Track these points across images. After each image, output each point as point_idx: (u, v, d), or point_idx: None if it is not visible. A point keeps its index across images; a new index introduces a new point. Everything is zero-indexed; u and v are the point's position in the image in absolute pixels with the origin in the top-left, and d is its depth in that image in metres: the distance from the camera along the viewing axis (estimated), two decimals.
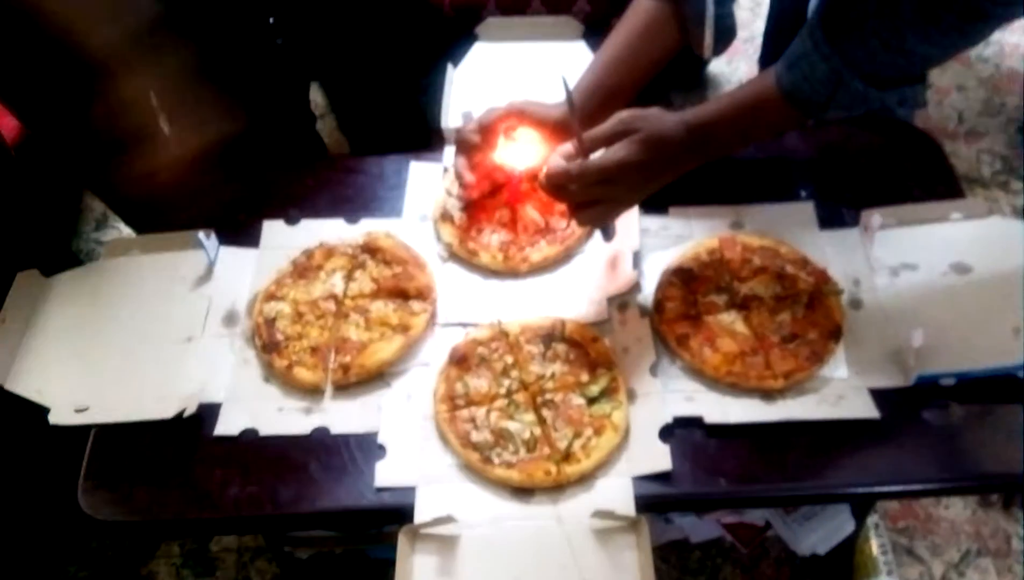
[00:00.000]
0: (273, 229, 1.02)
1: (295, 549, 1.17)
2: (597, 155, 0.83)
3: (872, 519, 1.25)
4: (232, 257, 0.99)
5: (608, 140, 0.83)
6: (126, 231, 1.63)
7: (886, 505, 1.34)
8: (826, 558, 1.13)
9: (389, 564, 0.77)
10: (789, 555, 1.13)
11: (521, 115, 0.95)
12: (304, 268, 0.97)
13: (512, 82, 1.01)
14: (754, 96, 0.84)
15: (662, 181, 0.86)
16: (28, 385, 0.89)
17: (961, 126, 1.99)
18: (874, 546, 1.24)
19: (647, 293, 0.94)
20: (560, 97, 0.96)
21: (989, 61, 2.12)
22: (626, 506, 0.78)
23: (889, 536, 1.28)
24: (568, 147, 0.85)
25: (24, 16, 1.01)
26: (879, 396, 0.83)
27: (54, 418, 0.87)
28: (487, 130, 0.97)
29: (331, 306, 0.93)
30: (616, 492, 0.79)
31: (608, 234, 0.90)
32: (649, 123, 0.82)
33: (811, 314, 0.89)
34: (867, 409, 0.82)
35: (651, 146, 0.81)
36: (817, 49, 0.77)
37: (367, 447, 0.84)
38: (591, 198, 0.85)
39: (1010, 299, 0.88)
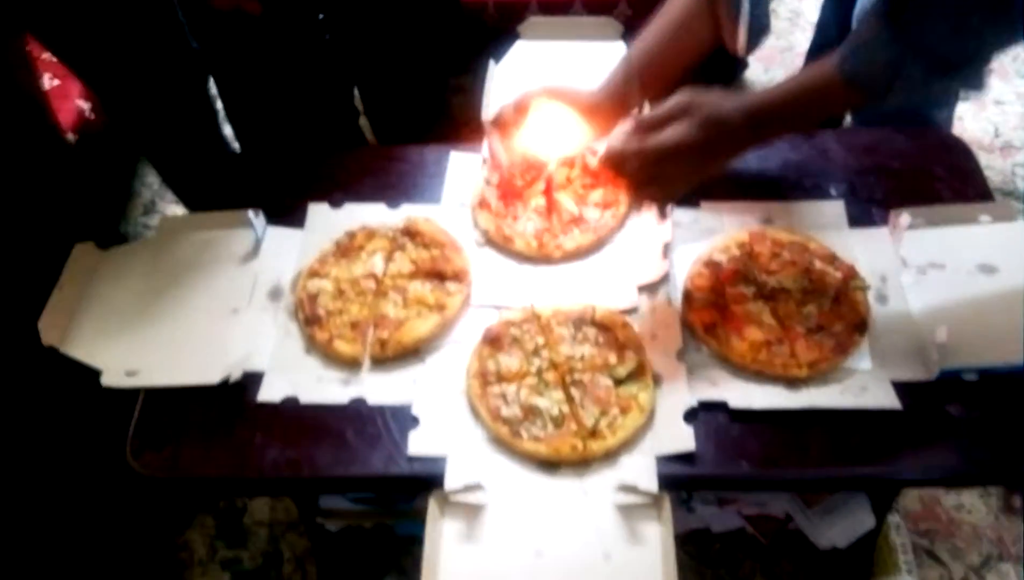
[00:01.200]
0: (318, 211, 1.06)
1: (326, 521, 1.21)
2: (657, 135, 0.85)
3: (894, 519, 1.26)
4: (278, 236, 1.04)
5: (668, 120, 0.85)
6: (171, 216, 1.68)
7: (908, 506, 1.35)
8: (845, 553, 1.15)
9: (416, 541, 0.80)
10: (809, 549, 1.14)
11: (554, 94, 0.99)
12: (346, 248, 1.01)
13: (551, 78, 1.05)
14: (814, 81, 0.84)
15: (720, 163, 0.87)
16: (82, 349, 0.94)
17: (997, 140, 1.99)
18: (895, 545, 1.25)
19: (676, 283, 0.96)
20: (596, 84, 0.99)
21: None
22: (649, 483, 0.80)
23: (910, 537, 1.29)
24: (628, 125, 0.87)
25: None
26: (902, 389, 0.85)
27: (106, 380, 0.91)
28: (523, 111, 1.01)
29: (371, 285, 0.97)
30: (640, 470, 0.82)
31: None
32: (709, 104, 0.84)
33: (837, 308, 0.91)
34: (889, 400, 0.84)
35: (710, 127, 0.83)
36: (881, 34, 0.77)
37: (401, 418, 0.87)
38: (649, 177, 0.87)
39: None
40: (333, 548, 1.28)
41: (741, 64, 2.13)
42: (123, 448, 0.88)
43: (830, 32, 1.69)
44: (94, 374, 0.92)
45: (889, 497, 1.12)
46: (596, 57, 1.17)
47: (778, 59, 2.20)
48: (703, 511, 1.17)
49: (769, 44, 2.22)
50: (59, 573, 1.21)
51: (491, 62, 1.19)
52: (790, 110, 0.85)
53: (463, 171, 1.10)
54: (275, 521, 1.43)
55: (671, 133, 0.84)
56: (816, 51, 1.85)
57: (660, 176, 0.86)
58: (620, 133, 0.88)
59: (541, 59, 1.21)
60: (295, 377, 0.91)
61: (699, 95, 0.85)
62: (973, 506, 1.37)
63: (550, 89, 1.00)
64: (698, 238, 1.00)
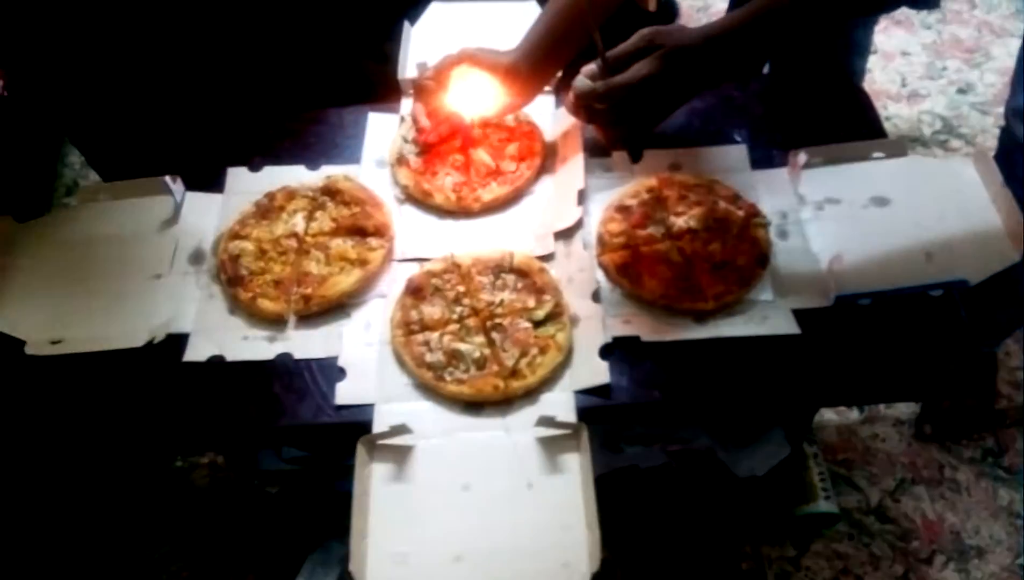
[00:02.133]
0: (237, 175, 1.07)
1: (265, 485, 1.23)
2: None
3: (811, 449, 1.33)
4: (198, 201, 1.04)
5: (631, 57, 0.86)
6: None
7: (825, 439, 1.42)
8: (765, 481, 1.21)
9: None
10: (730, 480, 1.20)
11: (474, 61, 1.01)
12: (267, 209, 1.02)
13: (467, 39, 1.07)
14: (770, 2, 0.86)
15: (687, 95, 0.89)
16: (4, 321, 0.94)
17: (904, 89, 2.08)
18: (814, 474, 1.32)
19: (591, 229, 1.00)
20: (510, 46, 1.02)
21: (932, 28, 2.21)
22: (567, 415, 0.84)
23: (828, 467, 1.37)
24: (592, 67, 0.89)
25: None
26: (802, 316, 0.91)
27: (30, 349, 0.92)
28: (442, 76, 1.03)
29: (293, 244, 0.98)
30: (559, 405, 0.86)
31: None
32: (671, 38, 0.86)
33: (741, 244, 0.96)
34: (789, 326, 0.90)
35: (674, 60, 0.85)
36: None
37: (328, 371, 0.90)
38: (619, 116, 0.88)
39: (923, 227, 0.95)
40: (273, 510, 1.30)
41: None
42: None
43: None
44: (18, 344, 0.92)
45: (802, 426, 1.18)
46: (511, 16, 1.20)
47: (695, 18, 2.25)
48: (630, 451, 1.22)
49: (687, 3, 2.27)
50: None
51: (406, 24, 1.21)
52: (750, 34, 0.87)
53: (382, 131, 1.12)
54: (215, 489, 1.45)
55: (637, 69, 0.85)
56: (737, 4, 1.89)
57: (629, 114, 0.88)
58: (584, 74, 0.89)
59: (457, 20, 1.23)
60: (220, 337, 0.92)
61: (661, 29, 0.86)
62: (887, 434, 1.45)
63: (467, 54, 1.01)
64: (611, 186, 1.04)
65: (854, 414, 1.46)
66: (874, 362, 0.89)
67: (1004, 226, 0.93)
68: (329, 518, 1.33)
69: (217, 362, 0.90)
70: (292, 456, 1.18)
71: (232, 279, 0.95)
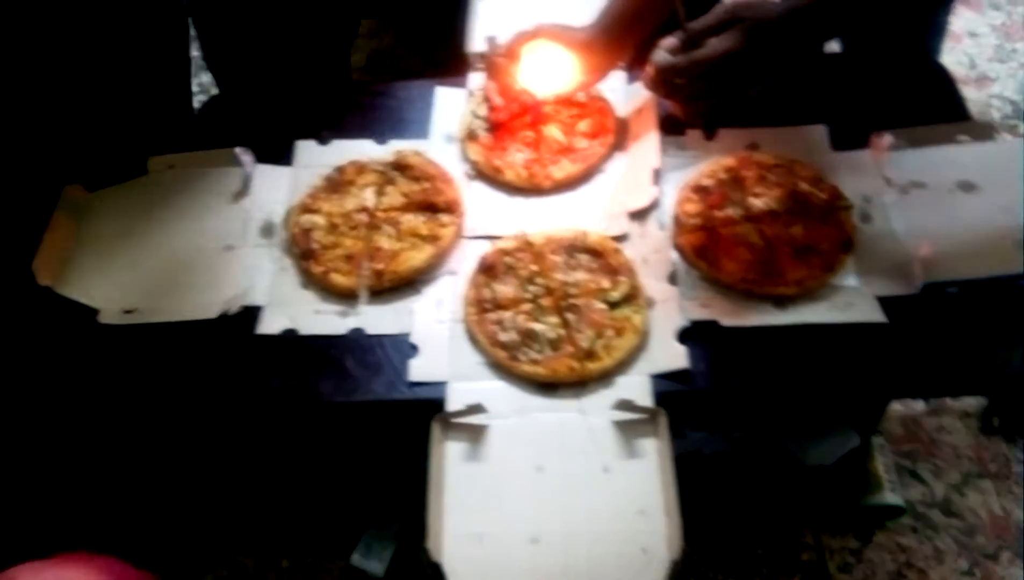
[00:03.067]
0: (306, 149, 1.06)
1: None
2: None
3: (878, 441, 1.30)
4: (267, 174, 1.04)
5: (712, 31, 0.84)
6: None
7: (891, 429, 1.39)
8: (830, 471, 1.19)
9: None
10: (795, 468, 1.18)
11: (550, 35, 0.99)
12: (337, 183, 1.01)
13: (533, 12, 1.05)
14: None
15: (770, 71, 0.87)
16: (78, 289, 0.95)
17: (972, 71, 2.01)
18: (879, 465, 1.29)
19: (666, 209, 0.98)
20: (585, 20, 0.99)
21: (1002, 8, 2.13)
22: (644, 400, 0.83)
23: (894, 458, 1.34)
24: (672, 40, 0.87)
25: None
26: (887, 303, 0.88)
27: (103, 318, 0.92)
28: (514, 52, 1.01)
29: (363, 218, 0.97)
30: (635, 388, 0.84)
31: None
32: (754, 11, 0.84)
33: (823, 227, 0.93)
34: (875, 313, 0.87)
35: (757, 34, 0.83)
36: None
37: (400, 347, 0.89)
38: (699, 90, 0.87)
39: (1011, 213, 0.92)
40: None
41: None
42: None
43: None
44: (91, 313, 0.92)
45: (874, 417, 1.16)
46: None
47: None
48: (693, 437, 1.20)
49: None
50: None
51: None
52: (835, 7, 0.84)
53: (450, 105, 1.10)
54: None
55: (719, 43, 0.83)
56: None
57: (710, 89, 0.86)
58: (665, 48, 0.88)
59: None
60: (293, 310, 0.92)
61: (744, 2, 0.84)
62: (953, 427, 1.42)
63: (543, 29, 0.99)
64: (686, 165, 1.01)
65: (920, 405, 1.43)
66: (960, 353, 0.86)
67: None
68: (386, 494, 1.34)
69: (290, 336, 0.90)
70: None
71: (304, 253, 0.95)
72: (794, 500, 1.30)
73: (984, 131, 1.01)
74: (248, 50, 1.35)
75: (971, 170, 0.97)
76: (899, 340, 0.86)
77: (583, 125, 1.05)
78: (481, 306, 0.90)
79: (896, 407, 1.41)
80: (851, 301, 0.89)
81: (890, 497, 1.28)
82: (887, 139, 0.98)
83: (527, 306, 0.90)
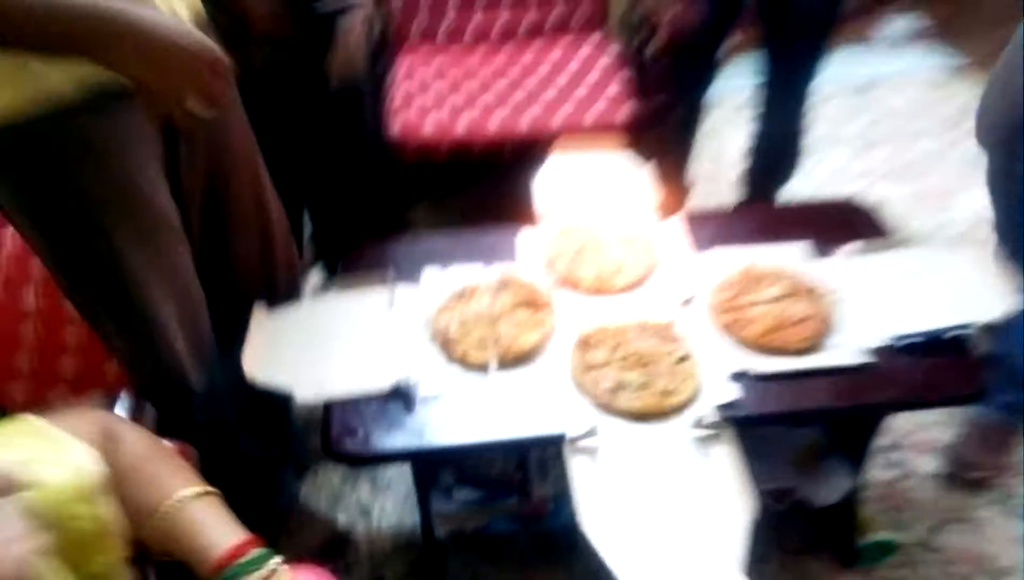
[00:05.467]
0: (431, 273, 1.44)
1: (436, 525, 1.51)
2: None
3: (866, 487, 1.64)
4: (404, 292, 1.40)
5: None
6: None
7: (877, 485, 1.72)
8: (835, 512, 1.52)
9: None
10: (806, 512, 1.51)
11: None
12: (461, 295, 1.38)
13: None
14: None
15: None
16: (278, 378, 1.27)
17: None
18: (869, 508, 1.62)
19: (702, 301, 1.37)
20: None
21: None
22: (713, 419, 1.18)
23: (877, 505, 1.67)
24: None
25: None
26: (870, 351, 1.26)
27: (300, 397, 1.24)
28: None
29: (486, 315, 1.34)
30: (704, 414, 1.19)
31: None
32: None
33: (813, 304, 1.33)
34: (862, 358, 1.25)
35: None
36: None
37: (527, 399, 1.23)
38: None
39: (939, 294, 1.34)
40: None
41: None
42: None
43: None
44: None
45: (864, 458, 1.50)
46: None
47: None
48: None
49: None
50: None
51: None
52: None
53: (530, 240, 1.50)
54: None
55: None
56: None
57: None
58: None
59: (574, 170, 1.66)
60: (443, 380, 1.26)
61: None
62: (921, 486, 1.76)
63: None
64: (709, 275, 1.42)
65: (891, 473, 1.77)
66: (922, 382, 1.24)
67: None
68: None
69: (443, 397, 1.24)
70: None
71: (448, 340, 1.30)
72: (803, 539, 1.62)
73: (914, 242, 1.44)
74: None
75: (911, 264, 1.40)
76: (880, 375, 1.24)
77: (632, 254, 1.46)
78: (585, 366, 1.25)
79: (873, 473, 1.75)
80: (842, 350, 1.27)
81: (883, 535, 1.61)
82: (850, 247, 1.41)
83: (616, 365, 1.25)
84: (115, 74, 0.97)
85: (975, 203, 2.36)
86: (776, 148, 2.16)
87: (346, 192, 1.92)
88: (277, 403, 1.30)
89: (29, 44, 0.93)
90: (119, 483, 0.83)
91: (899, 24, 3.22)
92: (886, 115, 2.83)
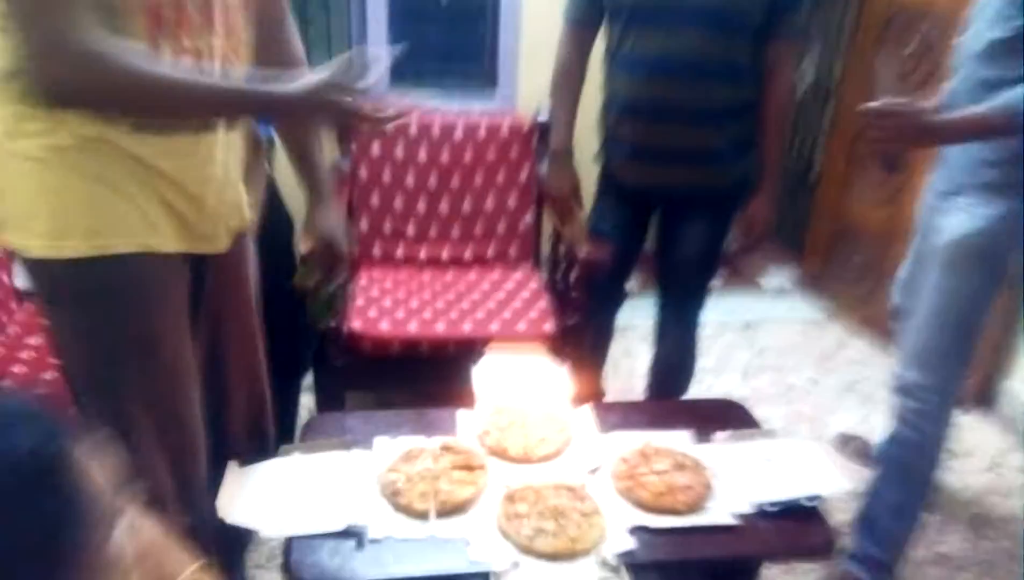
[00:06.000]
0: (382, 442, 1.71)
1: None
2: None
3: None
4: (360, 454, 1.67)
5: None
6: None
7: None
8: None
9: None
10: None
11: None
12: (407, 457, 1.65)
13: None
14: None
15: None
16: (246, 519, 1.49)
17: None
18: None
19: (605, 469, 1.66)
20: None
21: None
22: (614, 562, 1.43)
23: None
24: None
25: None
26: (741, 515, 1.56)
27: (264, 534, 1.46)
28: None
29: (429, 474, 1.60)
30: (606, 559, 1.45)
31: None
32: None
33: (695, 476, 1.63)
34: (731, 520, 1.55)
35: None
36: None
37: (460, 542, 1.47)
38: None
39: (798, 471, 1.67)
40: None
41: None
42: None
43: None
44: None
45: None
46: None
47: None
48: None
49: None
50: None
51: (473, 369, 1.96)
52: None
53: (467, 417, 1.80)
54: None
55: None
56: None
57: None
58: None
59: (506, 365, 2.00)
60: (390, 525, 1.50)
61: None
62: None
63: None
64: (612, 450, 1.73)
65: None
66: (773, 538, 1.54)
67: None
68: None
69: (391, 538, 1.47)
70: None
71: (394, 492, 1.55)
72: None
73: (777, 434, 1.79)
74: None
75: (771, 451, 1.74)
76: (745, 534, 1.53)
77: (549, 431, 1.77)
78: (508, 515, 1.51)
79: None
80: (714, 514, 1.57)
81: None
82: (722, 435, 1.75)
83: (535, 515, 1.52)
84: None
85: (842, 425, 2.78)
86: (672, 369, 2.55)
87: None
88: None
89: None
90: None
91: (781, 276, 3.82)
92: (769, 349, 3.31)
